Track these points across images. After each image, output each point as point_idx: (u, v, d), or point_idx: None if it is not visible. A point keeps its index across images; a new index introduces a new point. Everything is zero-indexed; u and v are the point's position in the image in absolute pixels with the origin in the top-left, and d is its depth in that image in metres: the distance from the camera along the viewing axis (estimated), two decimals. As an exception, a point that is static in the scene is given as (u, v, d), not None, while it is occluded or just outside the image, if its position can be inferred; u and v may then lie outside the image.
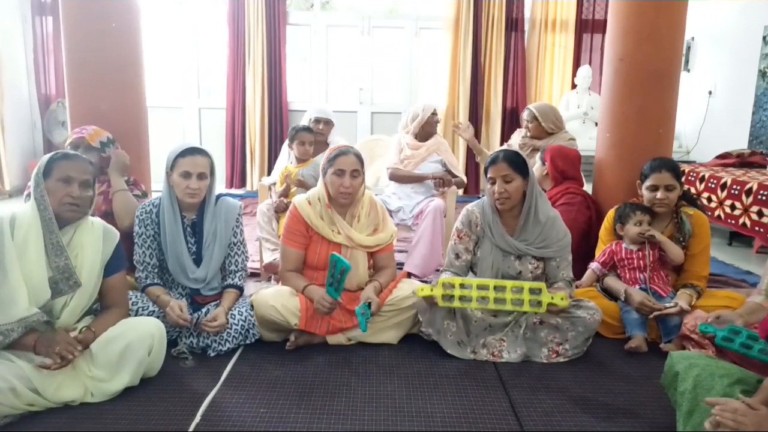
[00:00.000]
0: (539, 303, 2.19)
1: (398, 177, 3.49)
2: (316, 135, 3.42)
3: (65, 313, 1.87)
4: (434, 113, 3.55)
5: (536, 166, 3.18)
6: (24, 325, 1.74)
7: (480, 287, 2.22)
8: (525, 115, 3.73)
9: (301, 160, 3.25)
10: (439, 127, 5.87)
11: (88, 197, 1.88)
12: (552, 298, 2.17)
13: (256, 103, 5.94)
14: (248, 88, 5.93)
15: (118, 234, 2.02)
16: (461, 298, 2.21)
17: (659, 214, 2.54)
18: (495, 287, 2.22)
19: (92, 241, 1.92)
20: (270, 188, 3.40)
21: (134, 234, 2.30)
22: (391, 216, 3.25)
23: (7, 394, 1.65)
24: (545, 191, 3.02)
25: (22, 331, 1.74)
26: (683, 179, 2.70)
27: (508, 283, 2.23)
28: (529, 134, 3.70)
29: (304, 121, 3.48)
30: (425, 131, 3.53)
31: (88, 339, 1.84)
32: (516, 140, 3.90)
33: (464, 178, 3.64)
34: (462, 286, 2.22)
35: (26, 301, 1.75)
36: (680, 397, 1.54)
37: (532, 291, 2.20)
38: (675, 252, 2.44)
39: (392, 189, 3.56)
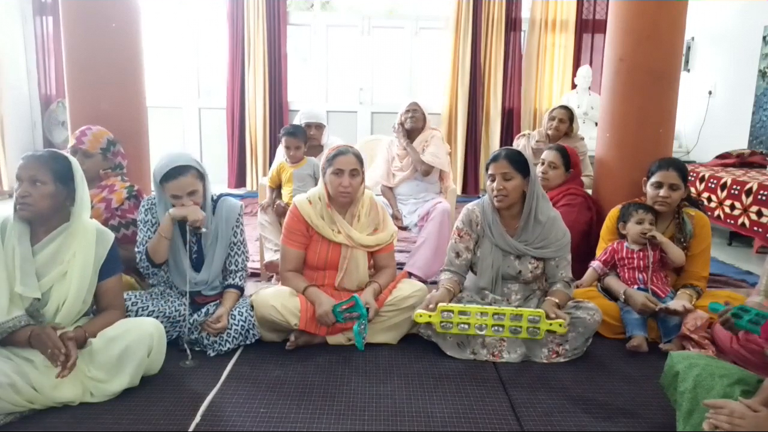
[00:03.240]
0: (537, 330, 2.19)
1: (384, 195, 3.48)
2: (309, 139, 3.40)
3: (59, 317, 1.86)
4: (408, 110, 3.39)
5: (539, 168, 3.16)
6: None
7: (478, 315, 2.22)
8: (558, 113, 3.66)
9: (293, 162, 3.23)
10: (443, 128, 5.94)
11: (41, 194, 1.82)
12: (550, 325, 2.17)
13: (257, 103, 5.93)
14: (249, 88, 5.92)
15: (112, 236, 2.00)
16: (459, 325, 2.21)
17: (661, 213, 2.54)
18: (494, 315, 2.22)
19: (84, 243, 1.90)
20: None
21: (138, 221, 2.29)
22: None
23: (7, 390, 1.66)
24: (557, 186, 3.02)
25: None
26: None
27: (507, 311, 2.23)
28: (549, 133, 3.68)
29: (296, 123, 3.39)
30: (408, 131, 3.42)
31: (78, 337, 1.80)
32: (522, 145, 3.87)
33: (434, 162, 3.33)
34: (461, 313, 2.22)
35: (5, 307, 1.75)
36: (680, 397, 1.54)
37: (531, 319, 2.20)
38: (676, 254, 2.44)
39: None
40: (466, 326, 2.21)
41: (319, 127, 3.44)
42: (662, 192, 2.48)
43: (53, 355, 1.71)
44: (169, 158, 2.17)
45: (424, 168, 3.34)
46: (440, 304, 2.23)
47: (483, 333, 2.22)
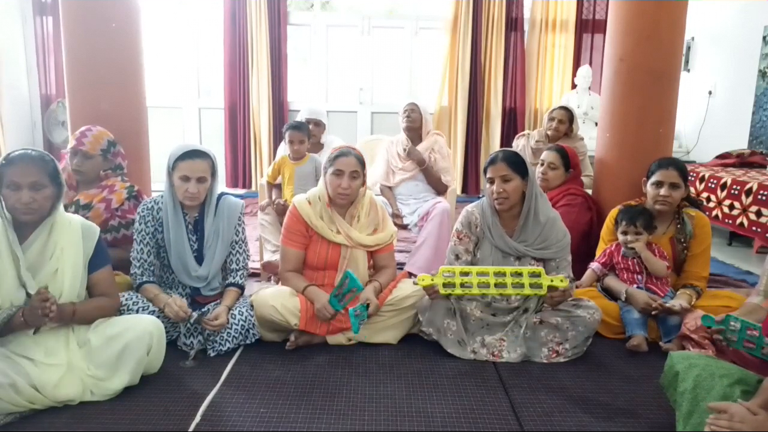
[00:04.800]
0: (540, 286, 2.19)
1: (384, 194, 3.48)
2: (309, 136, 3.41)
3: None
4: (405, 110, 3.39)
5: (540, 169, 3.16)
6: None
7: (480, 274, 2.22)
8: (558, 114, 3.66)
9: (296, 157, 3.24)
10: (443, 128, 5.94)
11: (44, 197, 1.81)
12: (552, 280, 2.17)
13: (261, 103, 5.92)
14: (251, 88, 5.91)
15: (98, 230, 2.01)
16: (462, 285, 2.21)
17: (661, 213, 2.54)
18: (495, 273, 2.22)
19: (72, 241, 1.90)
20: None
21: (134, 230, 2.30)
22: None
23: (8, 390, 1.66)
24: (557, 187, 3.01)
25: None
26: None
27: (508, 269, 2.23)
28: (548, 133, 3.69)
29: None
30: (409, 133, 3.43)
31: (66, 310, 1.82)
32: (522, 145, 3.88)
33: (450, 183, 3.44)
34: (462, 273, 2.22)
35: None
36: (680, 397, 1.54)
37: (531, 275, 2.20)
38: (656, 267, 2.44)
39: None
40: (469, 286, 2.20)
41: (318, 124, 3.48)
42: (663, 191, 2.48)
43: (42, 309, 1.69)
44: (189, 144, 2.25)
45: (443, 188, 3.39)
46: (442, 267, 2.24)
47: (487, 291, 2.20)
